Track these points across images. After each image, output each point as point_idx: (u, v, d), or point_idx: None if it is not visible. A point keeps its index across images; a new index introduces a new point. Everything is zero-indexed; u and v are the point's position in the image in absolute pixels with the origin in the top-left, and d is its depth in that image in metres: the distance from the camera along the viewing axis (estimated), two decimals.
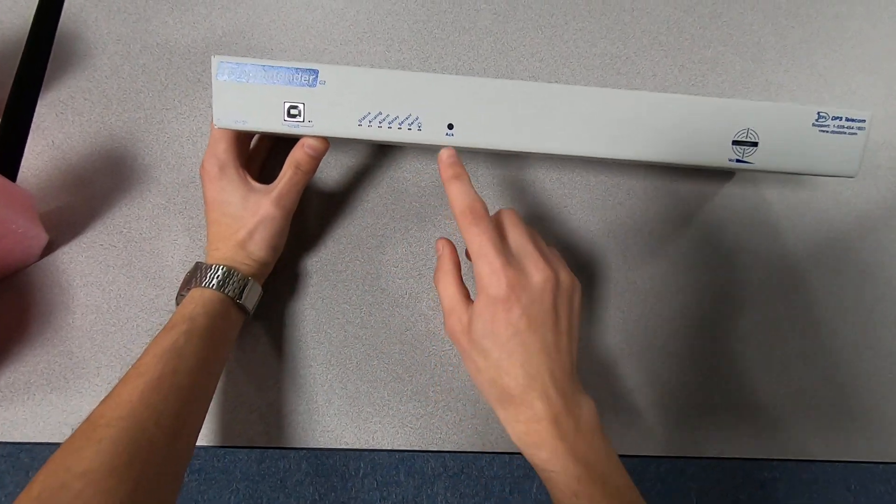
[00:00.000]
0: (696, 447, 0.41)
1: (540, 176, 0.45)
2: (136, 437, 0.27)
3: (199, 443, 0.37)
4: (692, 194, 0.45)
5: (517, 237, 0.32)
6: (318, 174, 0.43)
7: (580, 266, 0.43)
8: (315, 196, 0.43)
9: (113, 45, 0.44)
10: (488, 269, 0.30)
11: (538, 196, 0.44)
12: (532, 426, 0.29)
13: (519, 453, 0.32)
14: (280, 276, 0.40)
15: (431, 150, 0.44)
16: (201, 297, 0.34)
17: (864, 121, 0.33)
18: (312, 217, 0.42)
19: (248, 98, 0.31)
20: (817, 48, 0.50)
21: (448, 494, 1.08)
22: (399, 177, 0.44)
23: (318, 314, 0.40)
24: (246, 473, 1.06)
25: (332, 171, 0.43)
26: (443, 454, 1.05)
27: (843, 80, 0.49)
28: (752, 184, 0.46)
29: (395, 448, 0.38)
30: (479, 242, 0.30)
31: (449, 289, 0.33)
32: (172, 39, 0.45)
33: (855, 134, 0.33)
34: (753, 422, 0.42)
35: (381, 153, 0.44)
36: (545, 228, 0.43)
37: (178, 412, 0.30)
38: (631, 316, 0.42)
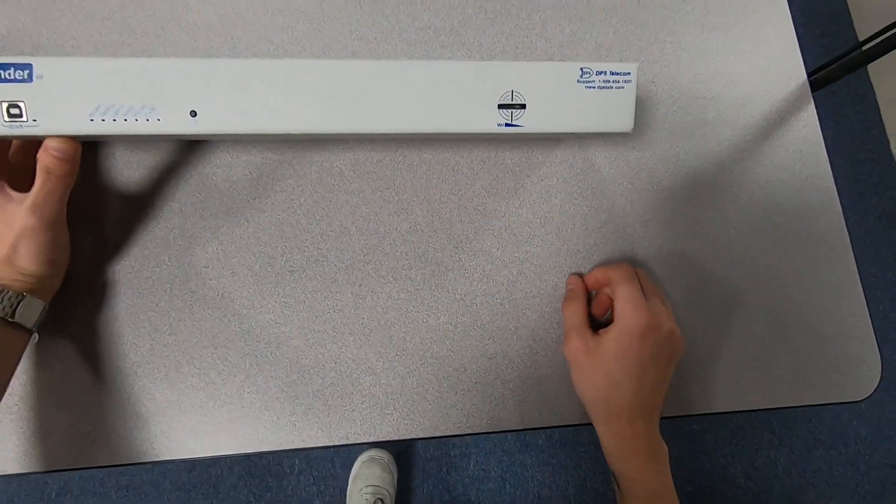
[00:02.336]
0: None
1: (361, 158, 0.43)
2: None
3: None
4: (518, 164, 0.44)
5: (652, 295, 0.38)
6: (117, 176, 0.41)
7: (404, 248, 0.42)
8: (115, 199, 0.40)
9: None
10: (633, 308, 0.36)
11: (358, 179, 0.43)
12: (629, 443, 0.36)
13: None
14: (79, 287, 0.38)
15: (242, 142, 0.42)
16: None
17: (629, 73, 0.32)
18: (113, 222, 0.40)
19: None
20: (647, 7, 0.49)
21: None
22: (208, 172, 0.42)
23: (121, 325, 0.38)
24: (176, 483, 1.05)
25: (134, 172, 0.41)
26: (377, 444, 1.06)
27: (672, 37, 0.49)
28: (580, 148, 0.45)
29: (212, 455, 0.37)
30: (630, 291, 0.37)
31: (579, 314, 0.39)
32: None
33: (622, 88, 0.32)
34: None
35: (187, 149, 0.42)
36: (369, 212, 0.42)
37: None
38: (456, 294, 0.41)
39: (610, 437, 0.36)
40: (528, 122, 0.32)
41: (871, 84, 1.49)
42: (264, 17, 0.45)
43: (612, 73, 0.32)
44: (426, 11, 0.47)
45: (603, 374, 0.36)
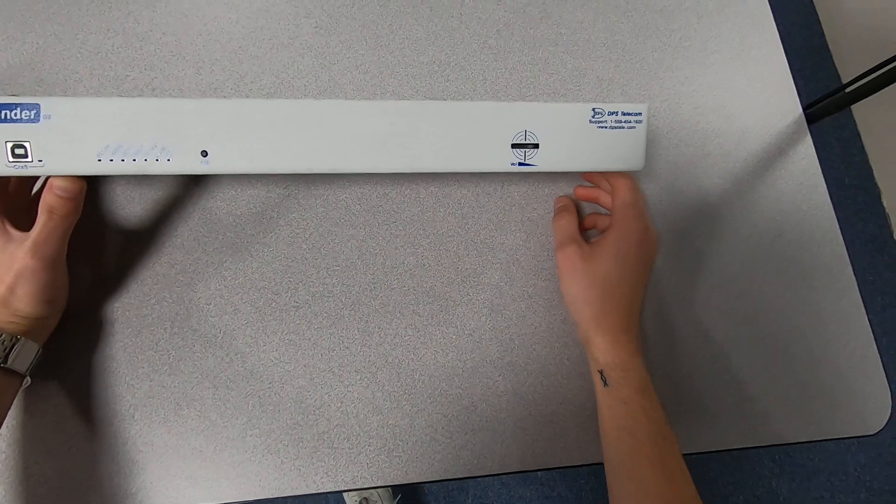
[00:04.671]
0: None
1: (367, 192, 0.43)
2: None
3: None
4: (525, 198, 0.44)
5: (644, 207, 0.41)
6: (118, 211, 0.40)
7: (411, 282, 0.41)
8: (115, 235, 0.39)
9: None
10: (635, 215, 0.38)
11: (365, 213, 0.42)
12: (622, 336, 0.37)
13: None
14: (74, 326, 0.37)
15: (245, 177, 0.42)
16: None
17: (640, 114, 0.33)
18: (112, 259, 0.39)
19: None
20: (646, 42, 0.51)
21: None
22: (211, 206, 0.41)
23: (118, 365, 0.37)
24: None
25: (135, 207, 0.40)
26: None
27: (671, 72, 0.50)
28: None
29: None
30: (635, 198, 0.39)
31: (573, 224, 0.41)
32: None
33: (634, 127, 0.32)
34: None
35: (191, 182, 0.41)
36: (375, 246, 0.41)
37: None
38: (464, 330, 0.41)
39: (602, 334, 0.37)
40: (541, 162, 0.32)
41: (850, 112, 1.54)
42: (270, 51, 0.45)
43: (624, 114, 0.32)
44: (431, 47, 0.48)
45: (602, 275, 0.37)
